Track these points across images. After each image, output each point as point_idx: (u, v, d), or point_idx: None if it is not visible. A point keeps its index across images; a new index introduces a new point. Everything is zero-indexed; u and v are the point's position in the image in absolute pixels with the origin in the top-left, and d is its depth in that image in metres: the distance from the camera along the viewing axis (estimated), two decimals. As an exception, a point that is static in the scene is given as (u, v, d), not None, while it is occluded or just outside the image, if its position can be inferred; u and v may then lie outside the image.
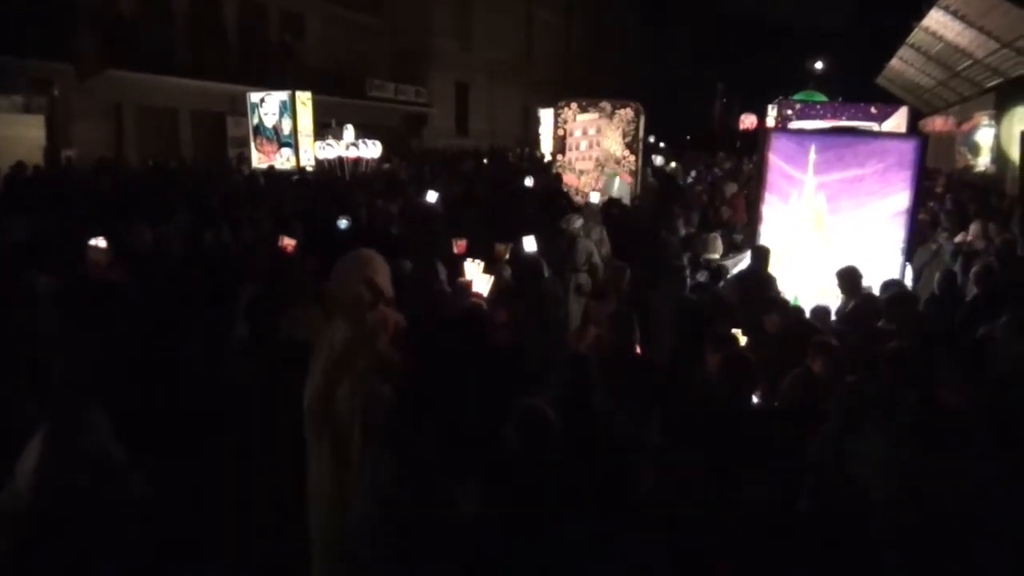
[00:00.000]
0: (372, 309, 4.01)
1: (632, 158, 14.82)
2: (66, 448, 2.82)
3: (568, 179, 14.71)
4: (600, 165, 14.85)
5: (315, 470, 3.98)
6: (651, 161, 19.36)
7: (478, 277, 5.86)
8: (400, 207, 10.67)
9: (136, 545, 2.89)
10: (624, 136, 14.80)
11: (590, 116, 15.02)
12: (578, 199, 13.06)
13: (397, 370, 4.03)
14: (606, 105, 15.06)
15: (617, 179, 13.11)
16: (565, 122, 15.15)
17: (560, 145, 15.25)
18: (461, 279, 5.94)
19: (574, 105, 15.23)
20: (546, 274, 7.15)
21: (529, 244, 7.42)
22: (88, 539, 2.79)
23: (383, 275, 4.08)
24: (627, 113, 14.86)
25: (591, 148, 14.96)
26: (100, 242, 6.48)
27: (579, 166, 14.93)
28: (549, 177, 14.87)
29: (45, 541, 2.74)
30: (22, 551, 2.75)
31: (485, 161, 23.92)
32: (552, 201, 11.79)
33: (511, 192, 13.64)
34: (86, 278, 6.05)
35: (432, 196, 10.78)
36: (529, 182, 14.61)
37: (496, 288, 5.88)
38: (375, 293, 4.03)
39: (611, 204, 11.57)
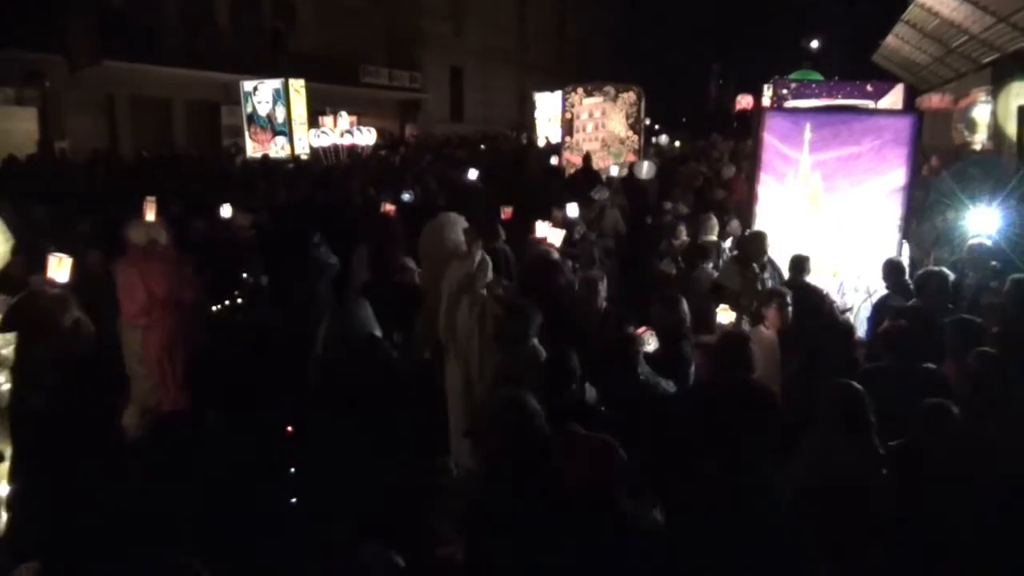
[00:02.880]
0: (477, 250, 5.48)
1: (635, 138, 16.02)
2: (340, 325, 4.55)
3: (576, 159, 15.51)
4: (606, 145, 15.97)
5: (448, 369, 5.37)
6: (651, 142, 19.91)
7: (552, 232, 7.03)
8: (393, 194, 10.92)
9: (384, 390, 4.13)
10: (627, 118, 16.04)
11: (596, 100, 16.09)
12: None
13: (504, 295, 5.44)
14: (610, 89, 16.09)
15: (646, 163, 14.20)
16: (572, 106, 16.28)
17: (568, 127, 16.36)
18: (532, 235, 7.06)
19: (580, 90, 16.42)
20: (576, 236, 8.22)
21: (572, 210, 8.63)
22: (359, 382, 4.14)
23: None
24: (630, 96, 16.05)
25: (597, 130, 16.11)
26: (227, 210, 8.26)
27: (586, 146, 15.88)
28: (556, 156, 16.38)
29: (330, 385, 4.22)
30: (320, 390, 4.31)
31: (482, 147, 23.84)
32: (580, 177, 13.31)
33: (544, 171, 15.25)
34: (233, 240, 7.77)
35: (473, 173, 12.49)
36: (554, 160, 16.07)
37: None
38: (475, 238, 5.58)
39: (630, 178, 12.99)
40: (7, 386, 4.68)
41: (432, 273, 5.98)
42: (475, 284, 5.27)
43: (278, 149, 17.75)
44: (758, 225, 7.42)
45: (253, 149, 18.12)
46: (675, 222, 9.11)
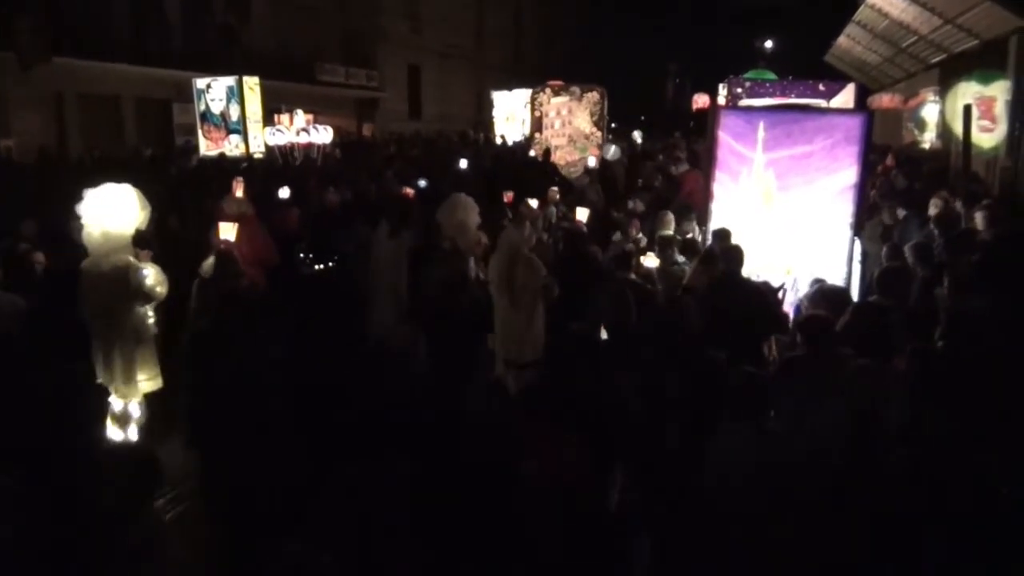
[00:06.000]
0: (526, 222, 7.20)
1: (599, 134, 17.36)
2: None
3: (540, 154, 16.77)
4: (572, 141, 17.28)
5: (499, 315, 6.56)
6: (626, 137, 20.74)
7: (579, 211, 8.47)
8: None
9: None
10: (592, 115, 17.26)
11: (562, 99, 17.36)
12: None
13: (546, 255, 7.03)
14: (576, 89, 17.43)
15: (612, 147, 16.41)
16: (541, 104, 17.38)
17: (537, 125, 17.45)
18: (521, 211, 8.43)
19: (548, 90, 17.51)
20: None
21: (556, 194, 10.63)
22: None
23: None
24: (594, 96, 17.28)
25: (564, 127, 17.38)
26: (284, 191, 10.28)
27: (554, 142, 17.12)
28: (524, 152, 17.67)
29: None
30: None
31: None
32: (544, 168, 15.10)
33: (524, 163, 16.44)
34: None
35: (464, 163, 14.47)
36: (532, 153, 17.14)
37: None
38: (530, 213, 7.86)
39: (604, 167, 14.72)
40: (153, 319, 6.24)
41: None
42: (523, 248, 6.59)
43: (232, 147, 17.44)
44: (713, 223, 7.49)
45: (207, 147, 17.77)
46: (625, 219, 9.22)
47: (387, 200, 9.99)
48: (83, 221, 6.01)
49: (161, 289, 6.09)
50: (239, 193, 8.99)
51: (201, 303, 6.19)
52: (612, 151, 15.69)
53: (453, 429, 3.66)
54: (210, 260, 6.51)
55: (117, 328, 5.95)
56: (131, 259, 6.04)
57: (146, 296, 6.04)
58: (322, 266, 8.35)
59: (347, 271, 8.12)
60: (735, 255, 6.19)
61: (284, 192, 10.34)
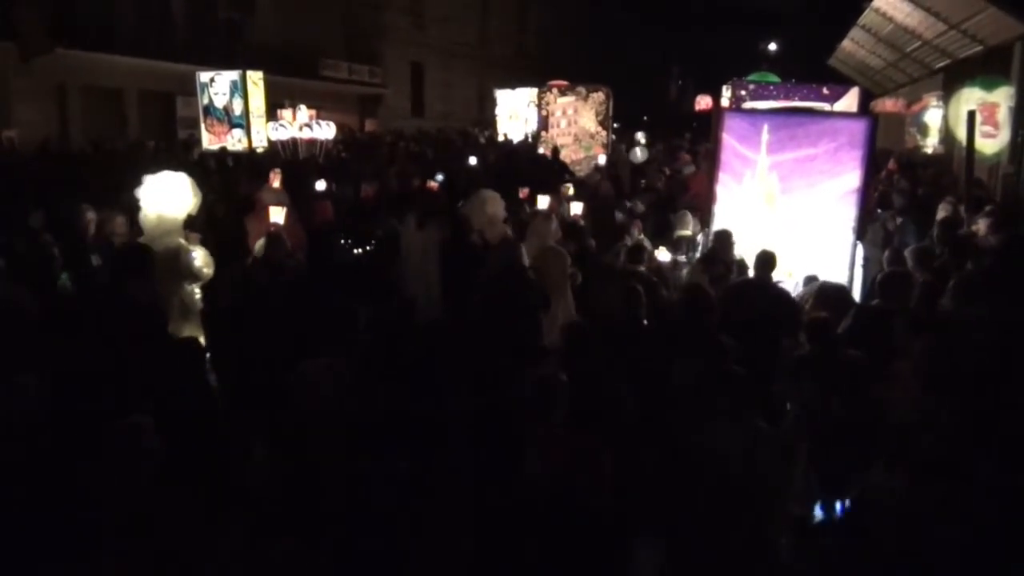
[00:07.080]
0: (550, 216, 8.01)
1: (603, 133, 17.83)
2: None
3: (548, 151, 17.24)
4: (578, 140, 17.76)
5: None
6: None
7: (574, 205, 9.15)
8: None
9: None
10: (597, 115, 17.68)
11: (568, 99, 17.87)
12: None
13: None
14: (581, 89, 17.91)
15: (638, 149, 17.08)
16: (547, 104, 17.93)
17: (544, 124, 18.05)
18: (534, 208, 9.16)
19: (555, 90, 18.10)
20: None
21: (570, 190, 10.81)
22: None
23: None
24: (599, 96, 17.69)
25: (570, 126, 17.88)
26: (321, 183, 10.88)
27: (560, 141, 17.50)
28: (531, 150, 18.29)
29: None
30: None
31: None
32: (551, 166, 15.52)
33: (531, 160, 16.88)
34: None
35: (473, 160, 15.10)
36: (541, 150, 17.82)
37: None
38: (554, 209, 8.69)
39: (611, 166, 15.20)
40: (199, 294, 6.66)
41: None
42: (550, 239, 7.04)
43: (235, 142, 17.45)
44: (716, 224, 7.49)
45: (209, 141, 17.77)
46: (626, 221, 9.24)
47: (412, 193, 10.48)
48: (140, 204, 6.57)
49: (208, 270, 6.62)
50: (276, 184, 9.64)
51: (249, 281, 6.60)
52: (639, 154, 16.52)
53: (473, 424, 3.66)
54: (261, 242, 6.96)
55: (167, 305, 6.33)
56: (182, 241, 6.59)
57: (194, 276, 6.58)
58: (361, 251, 8.99)
59: (387, 255, 8.50)
60: (769, 260, 6.18)
61: (320, 184, 10.94)
